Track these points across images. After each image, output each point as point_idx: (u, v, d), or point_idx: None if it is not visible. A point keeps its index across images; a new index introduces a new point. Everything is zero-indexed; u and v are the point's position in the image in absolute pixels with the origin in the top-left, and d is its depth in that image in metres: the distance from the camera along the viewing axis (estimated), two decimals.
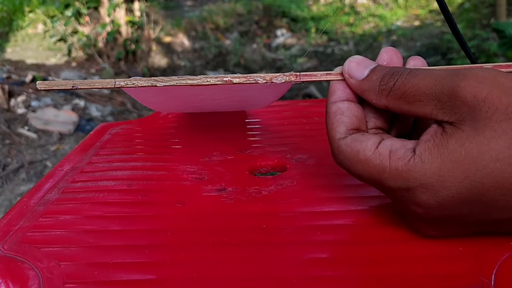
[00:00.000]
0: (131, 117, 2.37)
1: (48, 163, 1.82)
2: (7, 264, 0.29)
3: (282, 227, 0.31)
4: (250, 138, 0.47)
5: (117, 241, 0.31)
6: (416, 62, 0.29)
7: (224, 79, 0.31)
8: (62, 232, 0.32)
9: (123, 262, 0.29)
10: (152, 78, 0.31)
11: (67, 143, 1.98)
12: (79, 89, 0.31)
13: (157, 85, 0.31)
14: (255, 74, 0.31)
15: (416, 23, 3.97)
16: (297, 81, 0.31)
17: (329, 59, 3.48)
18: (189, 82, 0.31)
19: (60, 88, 0.31)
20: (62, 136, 2.06)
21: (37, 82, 0.32)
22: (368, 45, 3.64)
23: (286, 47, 3.84)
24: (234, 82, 0.31)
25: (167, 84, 0.31)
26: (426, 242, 0.28)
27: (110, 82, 0.32)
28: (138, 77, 0.31)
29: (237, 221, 0.32)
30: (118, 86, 0.31)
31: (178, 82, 0.31)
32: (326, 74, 0.30)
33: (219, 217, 0.33)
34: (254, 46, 3.90)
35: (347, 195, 0.34)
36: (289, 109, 0.56)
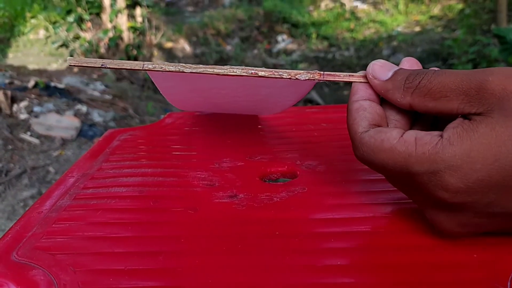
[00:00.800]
0: (133, 123, 2.37)
1: (51, 169, 1.82)
2: (22, 270, 0.29)
3: (296, 234, 0.31)
4: (259, 145, 0.47)
5: (131, 247, 0.31)
6: None
7: (250, 71, 0.31)
8: (75, 239, 0.32)
9: (137, 269, 0.29)
10: (180, 64, 0.31)
11: (69, 149, 1.99)
12: (108, 68, 0.32)
13: (184, 71, 0.31)
14: (280, 70, 0.31)
15: (417, 28, 3.99)
16: (321, 80, 0.31)
17: (330, 65, 3.49)
18: (216, 71, 0.31)
19: (89, 65, 0.32)
20: (64, 142, 2.06)
21: (68, 58, 0.32)
22: (369, 51, 3.65)
23: (287, 52, 3.85)
24: (260, 74, 0.31)
25: (193, 71, 0.31)
26: (441, 249, 0.28)
27: (138, 64, 0.32)
28: (166, 62, 0.32)
29: (250, 228, 0.32)
30: (146, 68, 0.32)
31: (204, 70, 0.31)
32: (349, 75, 0.31)
33: (232, 224, 0.33)
34: (255, 51, 3.91)
35: (360, 201, 0.34)
36: (296, 115, 0.56)
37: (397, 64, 0.31)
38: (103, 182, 0.41)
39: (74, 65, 0.32)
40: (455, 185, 0.24)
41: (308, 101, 2.82)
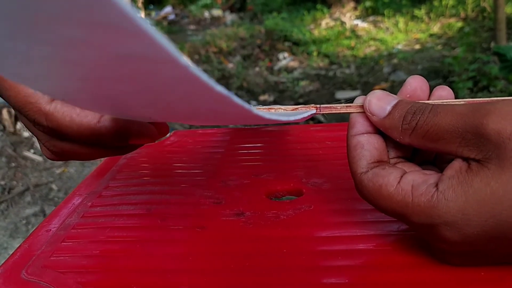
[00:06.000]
0: None
1: (54, 186, 1.82)
2: None
3: (302, 251, 0.31)
4: (265, 162, 0.48)
5: (139, 265, 0.31)
6: (441, 93, 0.29)
7: None
8: (84, 257, 0.32)
9: (145, 287, 0.29)
10: None
11: (72, 166, 1.99)
12: None
13: None
14: (276, 106, 0.31)
15: (417, 46, 4.01)
16: (318, 113, 0.31)
17: (331, 82, 3.51)
18: None
19: None
20: None
21: None
22: (369, 68, 3.67)
23: (288, 70, 3.88)
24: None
25: None
26: (448, 268, 0.28)
27: None
28: None
29: (257, 246, 0.32)
30: None
31: None
32: (346, 106, 0.30)
33: (239, 242, 0.33)
34: (257, 69, 3.94)
35: (366, 219, 0.34)
36: (300, 133, 0.57)
37: (402, 82, 0.30)
38: (111, 200, 0.41)
39: None
40: (451, 238, 0.24)
41: (311, 119, 2.83)
